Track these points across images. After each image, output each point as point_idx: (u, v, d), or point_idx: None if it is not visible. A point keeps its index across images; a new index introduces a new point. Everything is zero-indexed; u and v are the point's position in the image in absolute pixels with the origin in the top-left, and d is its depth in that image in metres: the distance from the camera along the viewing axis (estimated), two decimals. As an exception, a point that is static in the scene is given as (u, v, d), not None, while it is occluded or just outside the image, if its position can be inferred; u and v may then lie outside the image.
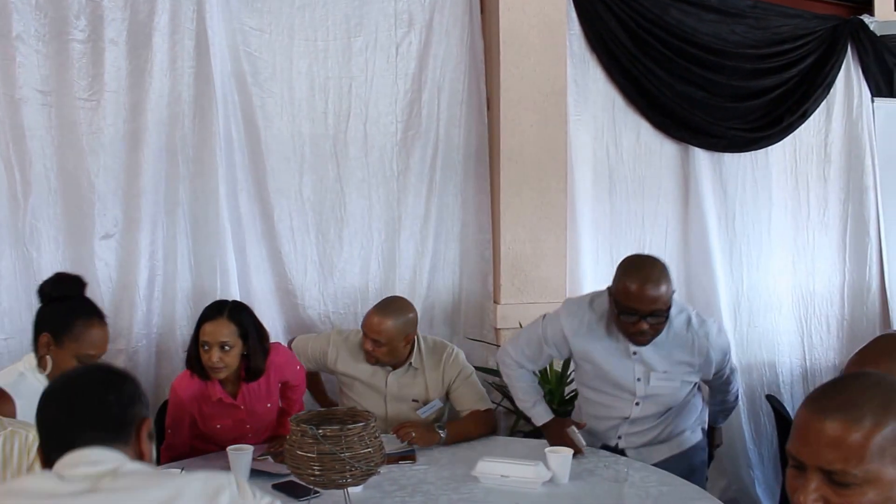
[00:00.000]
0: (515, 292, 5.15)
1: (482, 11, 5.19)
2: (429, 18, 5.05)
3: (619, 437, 3.94)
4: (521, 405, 4.08)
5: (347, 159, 4.94)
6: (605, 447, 3.97)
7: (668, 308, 3.55)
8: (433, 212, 5.12)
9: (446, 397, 4.25)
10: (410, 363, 4.17)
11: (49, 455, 2.03)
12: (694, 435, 4.03)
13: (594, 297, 3.87)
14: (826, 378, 5.97)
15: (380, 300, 4.25)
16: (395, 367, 4.17)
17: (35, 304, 4.24)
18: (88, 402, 2.06)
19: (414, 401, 4.19)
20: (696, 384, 3.92)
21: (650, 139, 5.64)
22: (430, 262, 5.13)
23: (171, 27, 4.47)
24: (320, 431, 2.95)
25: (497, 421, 4.34)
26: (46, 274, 4.24)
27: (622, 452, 3.95)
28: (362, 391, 4.21)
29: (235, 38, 4.66)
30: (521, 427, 4.84)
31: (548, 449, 3.50)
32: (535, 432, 4.72)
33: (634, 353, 3.73)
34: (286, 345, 4.34)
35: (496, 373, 4.94)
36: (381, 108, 4.99)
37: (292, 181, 4.84)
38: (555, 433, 3.89)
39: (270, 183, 4.78)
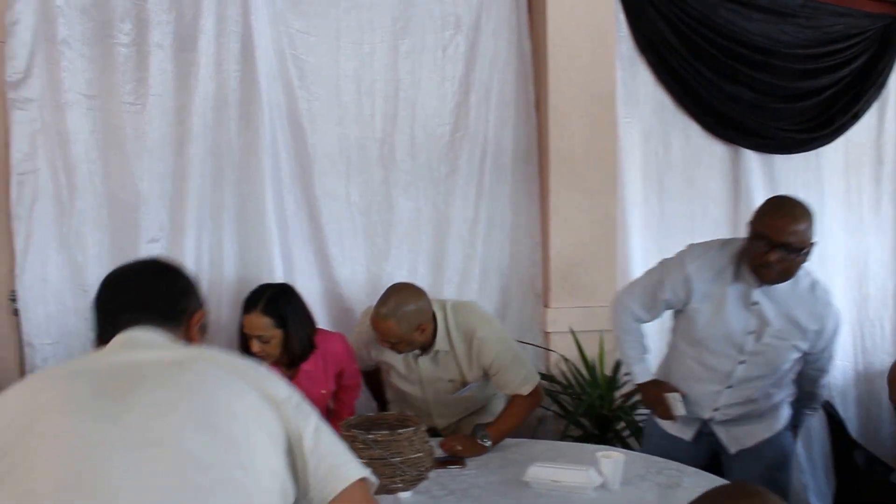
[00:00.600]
0: (565, 296, 5.09)
1: (530, 13, 5.15)
2: (476, 20, 5.01)
3: (717, 409, 3.86)
4: (623, 357, 4.06)
5: (395, 162, 4.90)
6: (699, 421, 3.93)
7: (801, 249, 3.46)
8: (482, 215, 5.07)
9: (485, 376, 4.11)
10: (437, 350, 4.02)
11: (103, 342, 2.07)
12: (785, 411, 3.95)
13: (724, 241, 3.79)
14: (879, 382, 5.91)
15: (382, 293, 3.98)
16: (423, 351, 4.04)
17: (81, 307, 4.26)
18: (140, 287, 2.15)
19: (450, 381, 4.08)
20: (799, 358, 3.80)
21: (699, 141, 5.60)
22: (479, 265, 5.08)
23: (217, 30, 4.44)
24: (371, 436, 2.92)
25: (542, 395, 4.16)
26: (92, 278, 4.26)
27: (712, 434, 3.91)
28: (399, 377, 4.15)
29: (281, 40, 4.63)
30: (571, 432, 4.79)
31: (600, 454, 3.43)
32: (585, 437, 4.68)
33: (754, 304, 3.63)
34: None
35: (546, 377, 4.89)
36: (428, 110, 4.95)
37: (339, 184, 4.80)
38: (652, 395, 3.88)
39: (317, 187, 4.74)
